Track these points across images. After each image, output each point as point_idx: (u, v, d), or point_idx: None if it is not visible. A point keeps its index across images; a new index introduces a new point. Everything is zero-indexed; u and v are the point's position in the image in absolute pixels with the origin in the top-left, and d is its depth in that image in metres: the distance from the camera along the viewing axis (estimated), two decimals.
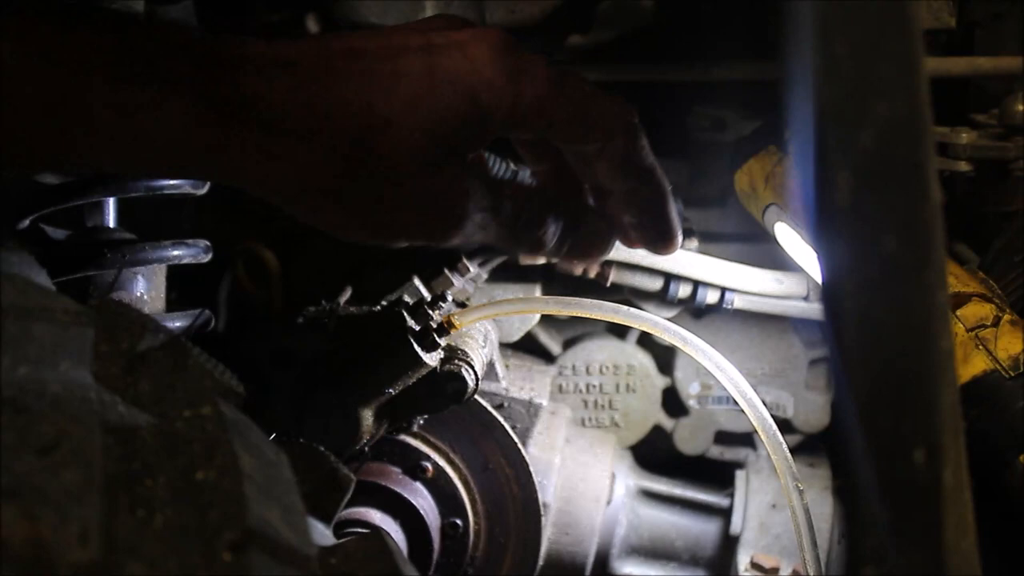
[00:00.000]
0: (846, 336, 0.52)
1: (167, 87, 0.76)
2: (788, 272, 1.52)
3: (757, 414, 1.07)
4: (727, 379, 1.09)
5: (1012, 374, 1.13)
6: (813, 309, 1.53)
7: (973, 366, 1.14)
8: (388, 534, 1.18)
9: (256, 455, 0.60)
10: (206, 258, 1.21)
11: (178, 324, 1.22)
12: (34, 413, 0.54)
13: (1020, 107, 1.36)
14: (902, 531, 0.52)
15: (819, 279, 0.57)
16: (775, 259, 1.51)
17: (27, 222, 1.11)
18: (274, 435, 0.82)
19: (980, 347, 1.14)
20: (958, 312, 1.17)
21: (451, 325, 1.22)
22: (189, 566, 0.52)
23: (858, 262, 0.51)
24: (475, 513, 1.34)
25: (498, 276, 1.53)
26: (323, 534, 0.74)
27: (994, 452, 1.11)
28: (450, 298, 1.29)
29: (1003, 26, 1.54)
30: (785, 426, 1.59)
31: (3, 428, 0.52)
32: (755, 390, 1.59)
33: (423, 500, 1.30)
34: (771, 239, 1.46)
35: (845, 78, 0.50)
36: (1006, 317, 1.17)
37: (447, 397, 1.21)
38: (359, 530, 1.24)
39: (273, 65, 0.80)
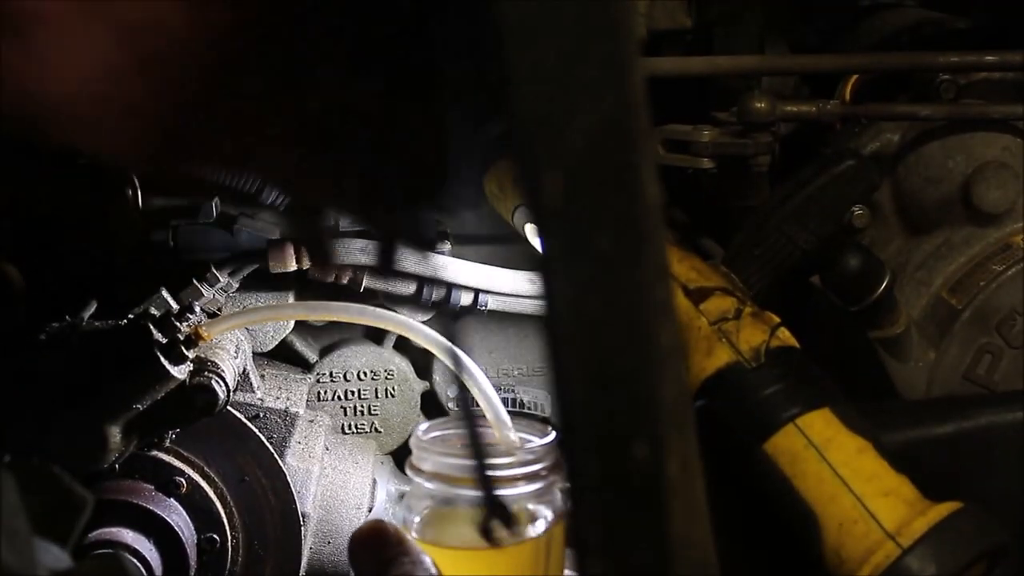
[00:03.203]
0: (559, 334, 0.53)
1: None
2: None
3: (494, 412, 1.08)
4: (469, 378, 1.09)
5: (754, 365, 1.15)
6: None
7: (717, 358, 1.16)
8: (124, 555, 1.16)
9: None
10: None
11: None
12: None
13: (757, 104, 1.40)
14: (624, 524, 0.53)
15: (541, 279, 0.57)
16: (529, 259, 1.52)
17: None
18: (14, 456, 0.79)
19: (723, 340, 1.17)
20: (701, 306, 1.20)
21: (199, 336, 1.20)
22: None
23: (570, 261, 0.52)
24: (232, 527, 1.32)
25: (250, 285, 1.52)
26: (58, 557, 0.72)
27: (739, 442, 1.13)
28: (198, 309, 1.27)
29: (740, 25, 1.59)
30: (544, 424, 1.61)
31: None
32: (514, 390, 1.61)
33: (177, 516, 1.28)
34: (524, 240, 1.47)
35: (549, 81, 0.51)
36: (747, 310, 1.19)
37: (198, 410, 1.19)
38: (98, 552, 1.21)
39: None
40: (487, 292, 1.55)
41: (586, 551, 0.53)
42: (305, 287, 1.55)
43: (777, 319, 1.19)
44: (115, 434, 1.16)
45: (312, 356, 1.62)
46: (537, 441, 1.07)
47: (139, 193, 1.52)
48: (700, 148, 1.43)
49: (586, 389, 0.52)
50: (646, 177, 0.52)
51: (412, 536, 1.01)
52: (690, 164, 1.44)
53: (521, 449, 1.07)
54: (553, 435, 1.06)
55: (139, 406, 1.17)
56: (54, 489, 0.77)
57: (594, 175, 0.50)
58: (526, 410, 1.61)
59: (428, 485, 1.04)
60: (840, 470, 1.08)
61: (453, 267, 1.53)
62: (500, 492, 1.02)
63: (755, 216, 1.31)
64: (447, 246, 1.56)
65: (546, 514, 1.04)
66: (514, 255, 1.58)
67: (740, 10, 1.60)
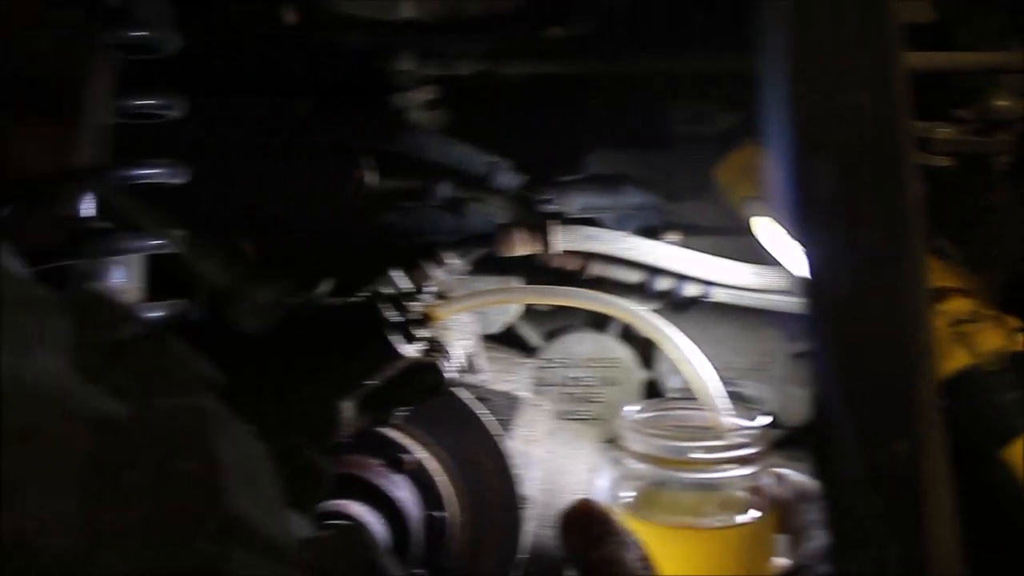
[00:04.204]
0: (826, 328, 0.52)
1: None
2: (769, 266, 1.52)
3: (708, 395, 1.07)
4: (686, 361, 1.09)
5: (993, 369, 1.13)
6: (794, 303, 1.54)
7: (955, 360, 1.14)
8: (366, 527, 1.18)
9: (235, 447, 0.59)
10: (184, 248, 1.20)
11: (156, 314, 1.21)
12: (12, 403, 0.54)
13: (1000, 102, 1.37)
14: (885, 522, 0.52)
15: (799, 272, 0.57)
16: (756, 253, 1.51)
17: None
18: (253, 427, 0.81)
19: (961, 342, 1.14)
20: (939, 307, 1.17)
21: (430, 317, 1.22)
22: (167, 556, 0.52)
23: (837, 254, 0.51)
24: (456, 505, 1.33)
25: (479, 269, 1.54)
26: (301, 526, 0.74)
27: (976, 446, 1.11)
28: (429, 290, 1.29)
29: (982, 21, 1.55)
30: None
31: None
32: (736, 383, 1.59)
33: (404, 493, 1.29)
34: (752, 233, 1.46)
35: (825, 71, 0.50)
36: (987, 312, 1.17)
37: (426, 389, 1.21)
38: (339, 523, 1.23)
39: None
40: (714, 284, 1.54)
41: (841, 546, 0.52)
42: (533, 273, 1.56)
43: (1018, 323, 1.16)
44: (347, 410, 1.18)
45: (536, 341, 1.63)
46: (749, 425, 1.06)
47: (372, 175, 1.54)
48: (938, 146, 1.40)
49: (848, 384, 0.51)
50: (909, 172, 0.52)
51: (620, 515, 1.01)
52: (927, 162, 1.41)
53: (733, 432, 1.06)
54: (766, 420, 1.05)
55: (370, 383, 1.19)
56: (298, 461, 0.79)
57: (865, 167, 0.49)
58: (750, 405, 1.59)
59: (637, 466, 1.04)
60: None
61: (680, 257, 1.53)
62: (713, 475, 1.02)
63: (994, 216, 1.28)
64: (676, 236, 1.56)
65: (758, 500, 1.03)
66: (742, 248, 1.56)
67: (983, 6, 1.56)
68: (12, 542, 0.48)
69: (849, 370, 0.51)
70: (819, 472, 0.54)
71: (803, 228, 0.51)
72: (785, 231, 1.28)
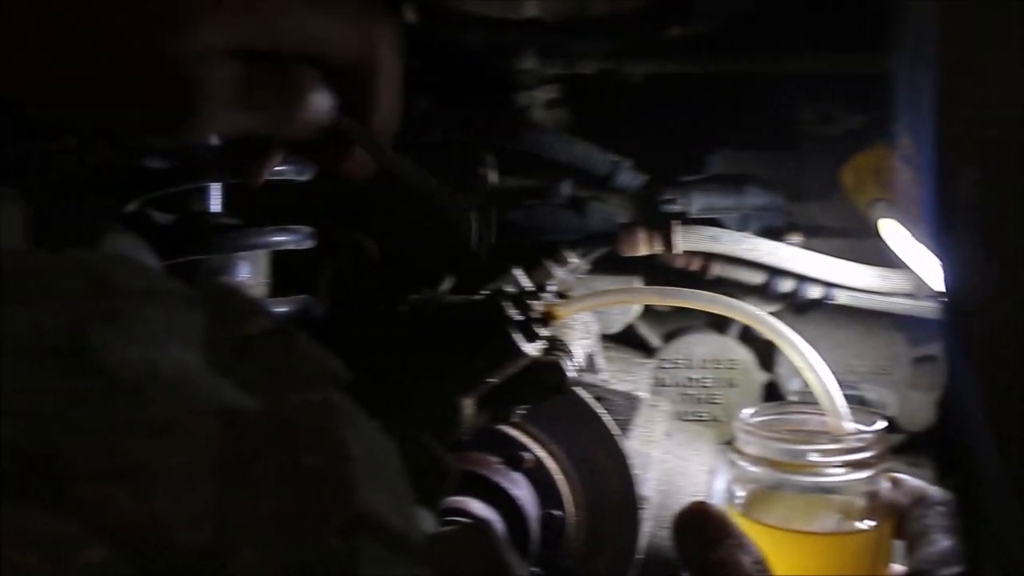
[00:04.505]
0: (966, 333, 0.51)
1: None
2: (892, 269, 1.50)
3: (830, 400, 1.06)
4: (808, 367, 1.08)
5: None
6: (918, 307, 1.52)
7: None
8: (492, 524, 1.18)
9: (363, 441, 0.60)
10: (308, 244, 1.21)
11: (280, 310, 1.22)
12: (146, 396, 0.54)
13: None
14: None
15: (926, 276, 0.56)
16: (880, 255, 1.49)
17: (134, 206, 1.12)
18: (383, 424, 0.82)
19: None
20: None
21: (552, 316, 1.22)
22: (298, 550, 0.52)
23: (981, 257, 0.50)
24: (574, 505, 1.33)
25: (600, 268, 1.54)
26: (428, 522, 0.74)
27: None
28: (551, 289, 1.29)
29: None
30: (889, 424, 1.58)
31: (117, 410, 0.53)
32: (857, 387, 1.58)
33: (522, 491, 1.29)
34: (877, 235, 1.44)
35: (971, 71, 0.49)
36: None
37: (547, 388, 1.21)
38: (459, 519, 1.23)
39: None
40: (836, 286, 1.53)
41: (977, 551, 0.51)
42: (654, 272, 1.55)
43: None
44: (468, 407, 1.19)
45: (655, 341, 1.63)
46: (868, 429, 1.05)
47: (493, 173, 1.55)
48: None
49: (988, 390, 0.50)
50: None
51: (736, 518, 1.00)
52: None
53: (851, 436, 1.05)
54: (883, 424, 1.04)
55: (492, 381, 1.19)
56: (424, 457, 0.79)
57: (1010, 169, 0.48)
58: (871, 409, 1.58)
59: (753, 469, 1.03)
60: None
61: (803, 259, 1.52)
62: (829, 479, 1.01)
63: None
64: (798, 237, 1.55)
65: (875, 505, 1.02)
66: (866, 250, 1.54)
67: None
68: (145, 536, 0.48)
69: (989, 375, 0.50)
70: (947, 477, 0.53)
71: (944, 232, 0.50)
72: (911, 234, 1.26)
